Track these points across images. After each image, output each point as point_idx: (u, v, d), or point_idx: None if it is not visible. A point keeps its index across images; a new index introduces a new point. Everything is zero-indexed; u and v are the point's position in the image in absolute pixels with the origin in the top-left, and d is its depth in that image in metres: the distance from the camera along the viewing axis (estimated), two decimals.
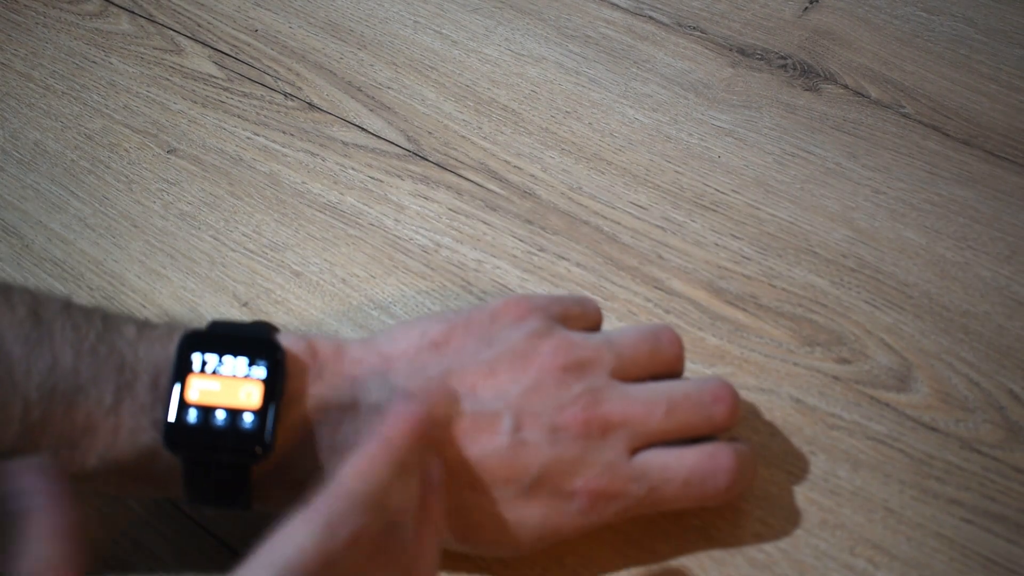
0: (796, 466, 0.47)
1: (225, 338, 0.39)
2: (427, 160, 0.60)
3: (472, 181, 0.59)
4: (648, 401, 0.41)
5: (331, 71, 0.66)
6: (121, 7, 0.70)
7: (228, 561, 0.43)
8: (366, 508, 0.34)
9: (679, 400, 0.42)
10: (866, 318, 0.53)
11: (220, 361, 0.38)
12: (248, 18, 0.70)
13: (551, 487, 0.40)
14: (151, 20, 0.69)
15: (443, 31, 0.69)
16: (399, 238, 0.56)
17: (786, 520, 0.45)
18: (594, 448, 0.40)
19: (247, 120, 0.63)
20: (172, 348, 0.39)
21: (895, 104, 0.64)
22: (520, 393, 0.40)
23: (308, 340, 0.40)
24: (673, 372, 0.44)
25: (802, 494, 0.46)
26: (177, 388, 0.38)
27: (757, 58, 0.67)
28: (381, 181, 0.59)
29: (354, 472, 0.34)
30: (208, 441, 0.37)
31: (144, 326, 0.39)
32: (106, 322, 0.39)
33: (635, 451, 0.41)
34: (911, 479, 0.46)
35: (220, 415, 0.38)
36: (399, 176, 0.59)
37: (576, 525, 0.41)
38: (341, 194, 0.58)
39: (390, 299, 0.53)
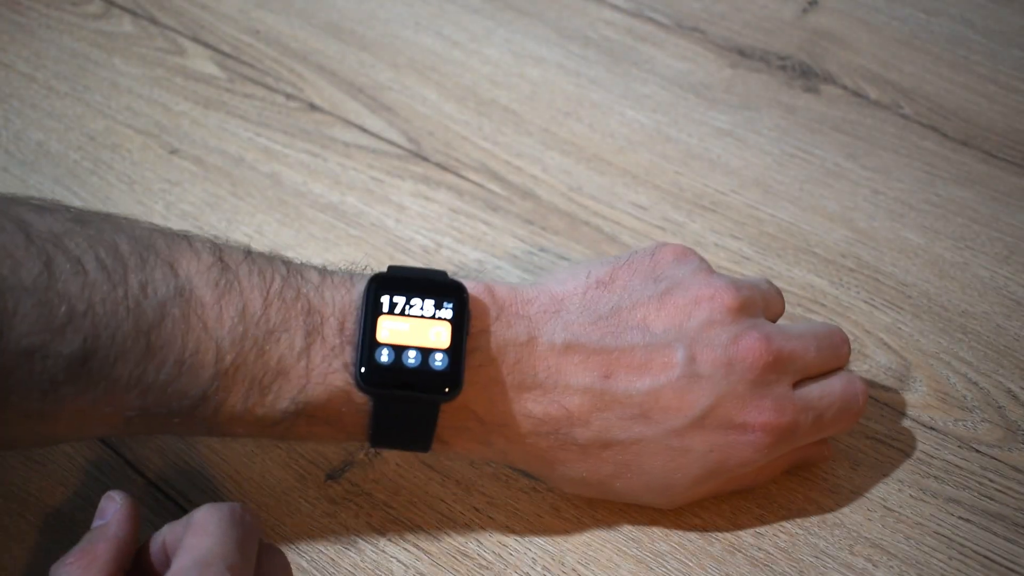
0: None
1: (411, 280, 0.40)
2: (428, 161, 0.61)
3: (473, 181, 0.59)
4: (802, 338, 0.44)
5: (332, 72, 0.66)
6: (123, 8, 0.70)
7: None
8: None
9: (821, 339, 0.44)
10: (865, 318, 0.53)
11: (408, 302, 0.39)
12: (250, 19, 0.70)
13: (723, 419, 0.41)
14: (153, 21, 0.70)
15: (444, 32, 0.69)
16: (400, 238, 0.57)
17: (785, 519, 0.45)
18: (765, 382, 0.42)
19: (249, 121, 0.63)
20: (356, 292, 0.39)
21: (894, 105, 0.64)
22: (695, 327, 0.42)
23: (485, 283, 0.41)
24: (780, 316, 0.47)
25: (801, 493, 0.46)
26: (369, 328, 0.38)
27: (757, 59, 0.67)
28: (382, 182, 0.59)
29: None
30: (401, 380, 0.38)
31: (325, 271, 0.40)
32: (289, 267, 0.40)
33: (795, 385, 0.43)
34: (910, 478, 0.47)
35: (411, 355, 0.38)
36: (400, 177, 0.60)
37: (744, 459, 0.42)
38: (342, 195, 0.59)
39: None
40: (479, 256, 0.56)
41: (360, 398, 0.39)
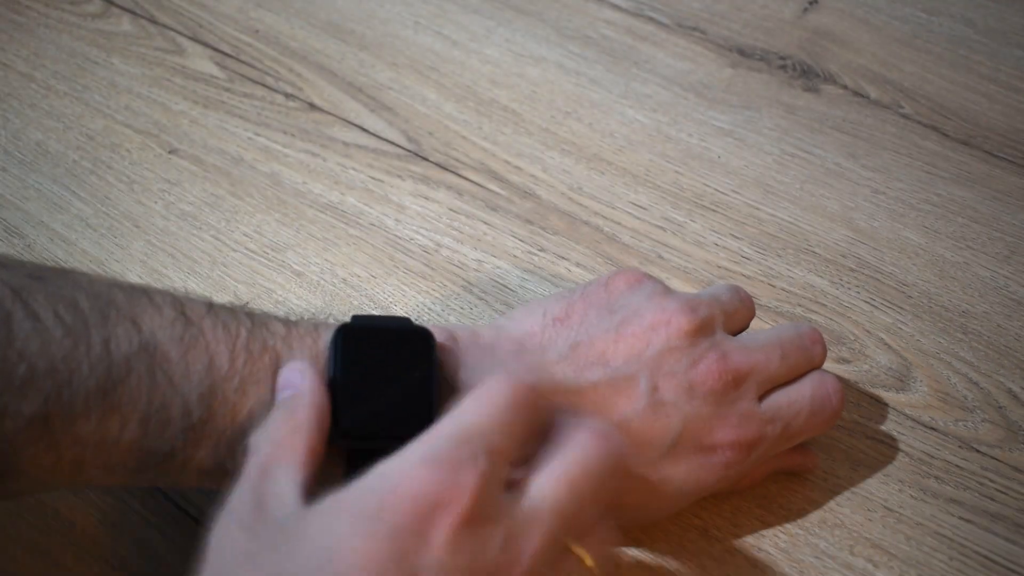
0: None
1: (376, 329, 0.39)
2: (428, 160, 0.61)
3: (472, 181, 0.59)
4: (765, 349, 0.43)
5: (332, 72, 0.66)
6: (123, 8, 0.70)
7: None
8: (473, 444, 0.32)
9: (787, 345, 0.44)
10: (865, 318, 0.53)
11: (376, 352, 0.39)
12: (249, 19, 0.70)
13: (693, 443, 0.41)
14: (152, 21, 0.70)
15: (444, 32, 0.69)
16: (400, 238, 0.56)
17: (785, 519, 0.45)
18: (729, 400, 0.42)
19: (248, 120, 0.63)
20: (322, 342, 0.39)
21: (894, 104, 0.64)
22: (653, 355, 0.41)
23: (447, 328, 0.41)
24: (750, 322, 0.46)
25: (801, 493, 0.46)
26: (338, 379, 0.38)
27: (757, 59, 0.67)
28: (382, 181, 0.59)
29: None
30: (372, 430, 0.38)
31: (289, 322, 0.40)
32: (253, 319, 0.39)
33: (761, 397, 0.43)
34: (910, 478, 0.46)
35: (382, 404, 0.38)
36: (400, 176, 0.60)
37: (718, 477, 0.42)
38: (342, 194, 0.59)
39: (391, 299, 0.54)
40: (479, 256, 0.56)
41: (331, 449, 0.38)
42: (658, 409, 0.41)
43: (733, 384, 0.41)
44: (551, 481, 0.33)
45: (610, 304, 0.43)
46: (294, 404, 0.35)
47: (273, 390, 0.37)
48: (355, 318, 0.40)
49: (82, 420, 0.35)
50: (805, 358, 0.44)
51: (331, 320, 0.41)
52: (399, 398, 0.38)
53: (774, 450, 0.43)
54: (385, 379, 0.38)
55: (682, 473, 0.41)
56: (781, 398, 0.43)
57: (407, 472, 0.31)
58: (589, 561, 0.34)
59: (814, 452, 0.46)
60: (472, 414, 0.33)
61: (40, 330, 0.35)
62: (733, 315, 0.45)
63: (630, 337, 0.41)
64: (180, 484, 0.38)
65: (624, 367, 0.41)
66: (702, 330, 0.42)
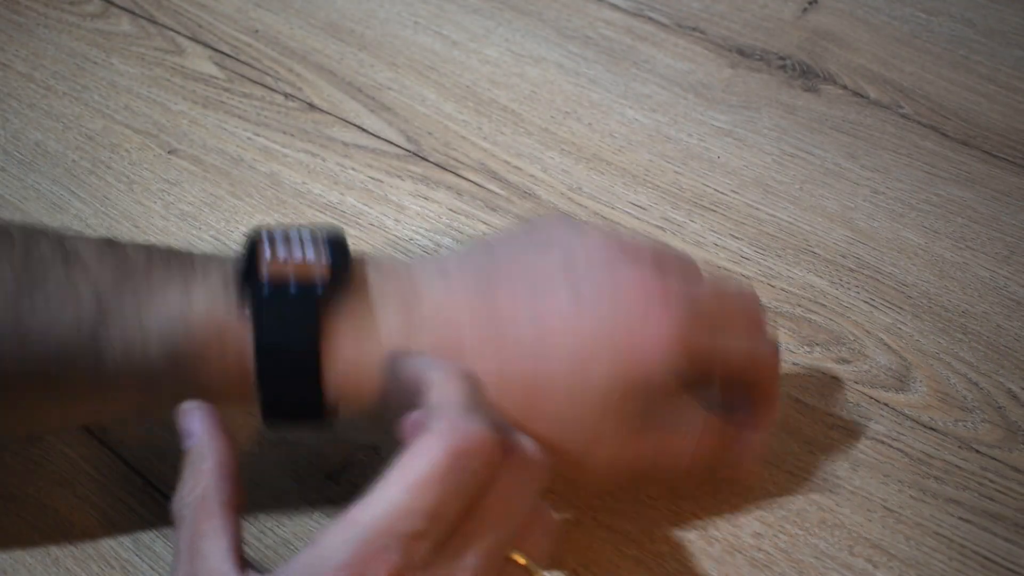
0: (795, 466, 0.47)
1: (285, 228, 0.41)
2: (427, 160, 0.61)
3: (472, 181, 0.59)
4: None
5: (331, 72, 0.66)
6: (122, 8, 0.70)
7: None
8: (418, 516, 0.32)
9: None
10: (865, 318, 0.53)
11: (286, 242, 0.39)
12: (249, 19, 0.70)
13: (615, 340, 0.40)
14: (152, 21, 0.70)
15: (443, 32, 0.69)
16: (399, 238, 0.56)
17: (785, 520, 0.45)
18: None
19: (248, 120, 0.63)
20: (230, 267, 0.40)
21: (894, 104, 0.64)
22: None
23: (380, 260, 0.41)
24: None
25: (801, 494, 0.46)
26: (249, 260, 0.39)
27: (756, 59, 0.67)
28: (381, 181, 0.59)
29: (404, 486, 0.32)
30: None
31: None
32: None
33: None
34: (910, 479, 0.47)
35: (291, 285, 0.38)
36: (399, 176, 0.60)
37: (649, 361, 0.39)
38: (341, 194, 0.59)
39: None
40: None
41: (240, 326, 0.38)
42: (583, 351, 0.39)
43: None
44: (478, 532, 0.33)
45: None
46: (199, 464, 0.36)
47: (185, 282, 0.38)
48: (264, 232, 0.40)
49: None
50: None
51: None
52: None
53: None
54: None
55: (606, 367, 0.38)
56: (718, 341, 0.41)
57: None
58: (523, 560, 0.35)
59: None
60: (392, 496, 0.32)
61: None
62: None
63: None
64: (100, 389, 0.39)
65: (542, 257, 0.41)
66: None
